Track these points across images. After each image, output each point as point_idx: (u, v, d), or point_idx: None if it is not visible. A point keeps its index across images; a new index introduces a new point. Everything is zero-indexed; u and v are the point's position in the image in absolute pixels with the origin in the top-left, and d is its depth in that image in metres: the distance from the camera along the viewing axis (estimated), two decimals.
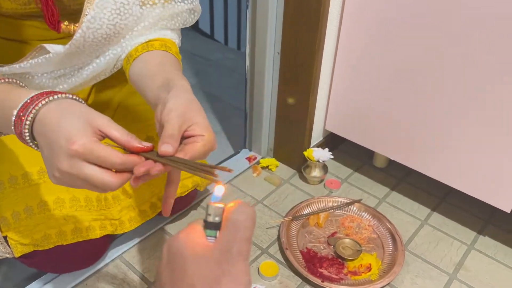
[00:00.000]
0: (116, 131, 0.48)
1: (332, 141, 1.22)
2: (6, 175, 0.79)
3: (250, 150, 1.27)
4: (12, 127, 0.50)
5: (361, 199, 1.06)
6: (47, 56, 0.68)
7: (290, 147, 1.17)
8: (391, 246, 0.95)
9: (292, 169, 1.19)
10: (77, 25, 0.69)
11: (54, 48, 0.69)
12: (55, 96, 0.49)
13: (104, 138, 0.48)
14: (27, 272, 0.89)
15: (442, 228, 1.02)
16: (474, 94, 0.87)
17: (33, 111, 0.48)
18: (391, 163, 1.19)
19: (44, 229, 0.78)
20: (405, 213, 1.06)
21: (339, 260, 0.91)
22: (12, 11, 0.71)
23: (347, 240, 0.95)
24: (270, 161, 1.19)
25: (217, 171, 0.50)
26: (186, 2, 0.77)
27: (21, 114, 0.48)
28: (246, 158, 1.22)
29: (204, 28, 2.22)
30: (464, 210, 1.07)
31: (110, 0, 0.67)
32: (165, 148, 0.49)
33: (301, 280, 0.87)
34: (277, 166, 1.19)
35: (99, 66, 0.75)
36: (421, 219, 1.04)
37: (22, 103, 0.49)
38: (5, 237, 0.78)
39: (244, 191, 1.10)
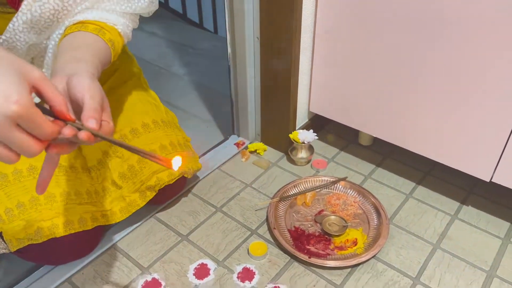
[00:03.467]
0: (52, 90, 0.45)
1: (317, 122, 1.25)
2: (6, 168, 0.82)
3: (239, 136, 1.29)
4: None
5: (346, 177, 1.08)
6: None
7: (277, 131, 1.19)
8: (376, 221, 0.98)
9: (279, 152, 1.21)
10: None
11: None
12: None
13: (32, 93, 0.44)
14: (26, 266, 0.92)
15: (427, 200, 1.05)
16: (452, 67, 0.89)
17: None
18: (376, 141, 1.21)
19: (37, 224, 0.81)
20: (390, 188, 1.09)
21: (326, 236, 0.94)
22: None
23: (333, 217, 0.98)
24: (258, 145, 1.22)
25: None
26: None
27: None
28: (235, 144, 1.25)
29: (192, 17, 2.23)
30: (448, 182, 1.10)
31: None
32: (92, 123, 0.48)
33: (289, 258, 0.91)
34: (265, 150, 1.22)
35: (52, 49, 0.74)
36: (405, 193, 1.07)
37: None
38: (0, 233, 0.81)
39: (233, 176, 1.13)
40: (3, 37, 0.70)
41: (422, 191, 1.07)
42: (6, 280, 0.92)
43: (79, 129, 0.47)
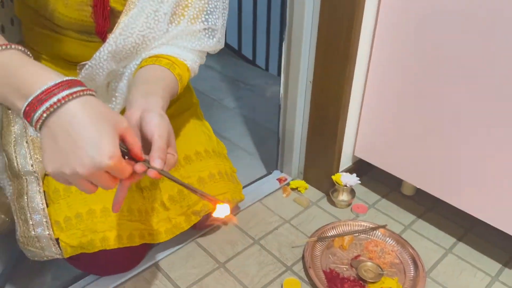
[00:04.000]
0: (133, 137, 0.52)
1: (361, 167, 1.27)
2: (61, 184, 0.90)
3: (282, 171, 1.33)
4: (24, 104, 0.47)
5: (386, 225, 1.09)
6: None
7: (320, 171, 1.22)
8: (412, 272, 0.97)
9: (320, 192, 1.24)
10: None
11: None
12: (82, 92, 0.48)
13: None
14: (72, 273, 0.99)
15: (467, 258, 1.03)
16: (507, 123, 0.90)
17: (58, 103, 0.46)
18: (419, 191, 1.21)
19: (91, 235, 0.87)
20: (429, 241, 1.08)
21: (361, 282, 0.95)
22: (62, 17, 0.77)
23: (369, 263, 0.98)
24: (300, 183, 1.25)
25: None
26: (205, 23, 0.84)
27: (42, 98, 0.46)
28: (277, 179, 1.29)
29: (246, 54, 2.34)
30: (490, 242, 1.08)
31: (143, 14, 0.76)
32: (158, 163, 0.54)
33: None
34: (306, 189, 1.25)
35: (127, 77, 0.83)
36: (445, 248, 1.06)
37: (46, 87, 0.46)
38: (57, 239, 0.88)
39: (273, 211, 1.16)
40: (89, 63, 0.79)
41: (463, 248, 1.06)
42: (54, 284, 0.99)
43: (148, 167, 0.54)
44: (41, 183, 0.89)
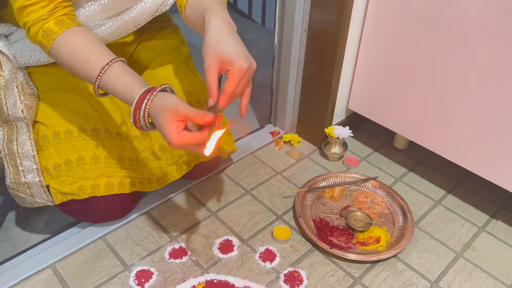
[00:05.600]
0: (193, 114, 0.65)
1: (354, 121, 1.26)
2: (51, 130, 0.89)
3: (275, 125, 1.32)
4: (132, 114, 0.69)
5: (376, 177, 1.09)
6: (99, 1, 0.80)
7: (313, 124, 1.22)
8: (401, 222, 0.99)
9: (313, 145, 1.24)
10: None
11: None
12: (153, 94, 0.67)
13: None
14: (65, 221, 1.00)
15: (455, 209, 1.04)
16: (497, 78, 0.88)
17: (146, 110, 0.67)
18: (411, 145, 1.21)
19: (81, 181, 0.87)
20: (420, 193, 1.09)
21: (350, 231, 0.96)
22: None
23: (359, 213, 0.99)
24: (293, 136, 1.24)
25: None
26: None
27: (137, 107, 0.68)
28: (270, 133, 1.28)
29: (242, 9, 2.27)
30: (480, 194, 1.09)
31: None
32: (210, 103, 0.67)
33: (311, 246, 0.93)
34: (298, 142, 1.24)
35: (144, 8, 0.84)
36: (435, 200, 1.07)
37: (135, 100, 0.68)
38: (47, 186, 0.88)
39: (265, 163, 1.16)
40: None
41: (452, 200, 1.07)
42: (46, 231, 1.00)
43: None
44: (31, 130, 0.88)
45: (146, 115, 0.68)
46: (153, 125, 0.70)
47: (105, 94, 0.75)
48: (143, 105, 0.67)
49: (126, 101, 0.71)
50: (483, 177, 0.98)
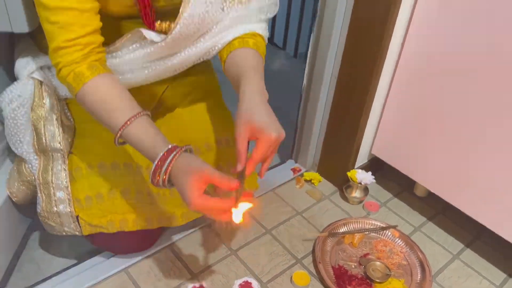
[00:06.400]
0: (219, 179, 0.67)
1: (376, 164, 1.27)
2: (85, 163, 0.91)
3: (296, 161, 1.34)
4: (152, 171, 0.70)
5: (396, 226, 1.11)
6: (145, 48, 0.82)
7: (335, 165, 1.23)
8: (419, 275, 1.00)
9: (334, 186, 1.25)
10: (167, 23, 0.82)
11: (150, 34, 0.80)
12: (178, 154, 0.69)
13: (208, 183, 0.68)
14: (88, 246, 1.02)
15: (473, 265, 1.05)
16: None
17: (169, 169, 0.69)
18: (431, 194, 1.22)
19: (110, 215, 0.89)
20: (438, 244, 1.10)
21: (368, 281, 0.97)
22: (117, 14, 0.80)
23: (378, 263, 1.00)
24: (314, 175, 1.26)
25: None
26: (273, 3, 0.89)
27: (159, 164, 0.69)
28: (291, 169, 1.30)
29: (277, 42, 2.26)
30: (497, 251, 1.10)
31: (201, 3, 0.78)
32: (238, 168, 0.71)
33: None
34: (319, 181, 1.26)
35: (188, 55, 0.86)
36: (453, 253, 1.08)
37: (159, 158, 0.69)
38: (76, 217, 0.91)
39: (285, 201, 1.18)
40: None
41: (470, 255, 1.08)
42: (69, 254, 1.02)
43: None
44: (66, 161, 0.90)
45: (167, 174, 0.69)
46: (170, 183, 0.71)
47: (124, 143, 0.76)
48: (166, 164, 0.68)
49: (147, 156, 0.72)
50: (500, 235, 0.99)
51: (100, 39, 0.76)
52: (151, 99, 1.01)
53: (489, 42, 0.89)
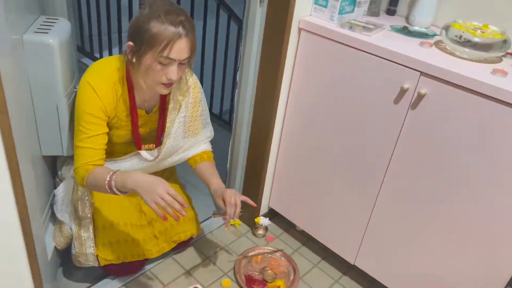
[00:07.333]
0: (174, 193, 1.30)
1: (273, 211, 2.07)
2: (100, 224, 1.61)
3: None
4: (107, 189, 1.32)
5: (282, 249, 1.90)
6: (139, 162, 1.56)
7: (248, 214, 2.01)
8: (292, 277, 1.78)
9: (248, 227, 2.03)
10: (149, 145, 1.57)
11: (145, 155, 1.55)
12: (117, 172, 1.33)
13: None
14: (97, 273, 1.69)
15: (327, 271, 1.86)
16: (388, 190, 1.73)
17: (113, 182, 1.30)
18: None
19: (117, 253, 1.60)
20: (305, 258, 1.90)
21: (265, 281, 1.74)
22: (118, 141, 1.54)
23: (270, 271, 1.78)
24: (236, 221, 2.03)
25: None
26: (210, 131, 1.69)
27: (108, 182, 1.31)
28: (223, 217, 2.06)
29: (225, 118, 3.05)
30: (337, 259, 1.91)
31: (172, 140, 1.53)
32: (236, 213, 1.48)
33: None
34: (240, 224, 2.03)
35: (168, 164, 1.63)
36: (314, 263, 1.88)
37: (108, 178, 1.30)
38: (96, 255, 1.60)
39: (218, 238, 1.94)
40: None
41: (324, 264, 1.89)
42: (85, 281, 1.69)
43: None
44: (92, 224, 1.59)
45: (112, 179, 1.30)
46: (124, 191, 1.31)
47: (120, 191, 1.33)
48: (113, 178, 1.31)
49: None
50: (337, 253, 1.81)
51: (103, 157, 1.45)
52: None
53: (338, 103, 1.73)
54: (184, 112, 1.55)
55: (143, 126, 1.55)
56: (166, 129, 1.53)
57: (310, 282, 1.79)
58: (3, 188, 1.05)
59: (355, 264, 1.76)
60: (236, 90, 1.80)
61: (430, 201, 1.43)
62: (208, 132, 1.68)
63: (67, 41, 1.46)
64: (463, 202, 1.35)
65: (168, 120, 1.52)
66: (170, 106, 1.52)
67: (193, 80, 1.56)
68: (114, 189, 1.31)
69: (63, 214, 1.60)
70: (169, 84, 1.37)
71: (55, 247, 1.61)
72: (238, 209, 1.51)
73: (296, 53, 1.62)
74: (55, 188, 1.64)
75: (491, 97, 1.21)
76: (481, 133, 1.25)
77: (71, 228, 1.59)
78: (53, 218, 1.64)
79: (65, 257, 1.69)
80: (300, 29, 1.58)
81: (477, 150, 1.28)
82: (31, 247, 1.19)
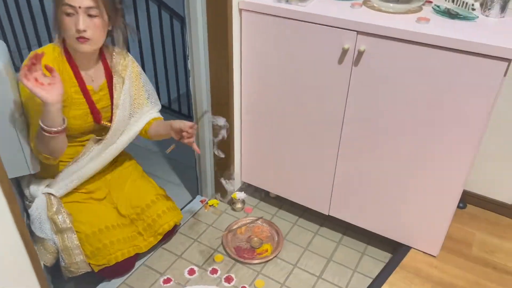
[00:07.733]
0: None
1: (248, 184, 2.19)
2: (83, 231, 1.65)
3: (201, 195, 2.20)
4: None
5: (262, 217, 2.04)
6: (98, 148, 1.61)
7: (225, 192, 2.12)
8: (276, 238, 1.93)
9: (226, 204, 2.14)
10: (108, 123, 1.63)
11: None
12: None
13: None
14: (89, 279, 1.75)
15: (305, 226, 2.02)
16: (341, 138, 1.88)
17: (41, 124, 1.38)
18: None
19: (108, 256, 1.66)
20: (285, 220, 2.05)
21: (252, 248, 1.87)
22: (77, 126, 1.58)
23: (255, 239, 1.92)
24: (214, 201, 2.14)
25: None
26: (156, 100, 1.78)
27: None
28: (200, 201, 2.16)
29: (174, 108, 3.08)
30: (314, 215, 2.08)
31: (121, 114, 1.61)
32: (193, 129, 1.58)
33: (233, 261, 1.83)
34: (218, 204, 2.14)
35: (121, 141, 1.70)
36: (292, 222, 2.04)
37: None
38: (89, 263, 1.65)
39: (200, 220, 2.04)
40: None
41: (302, 221, 2.05)
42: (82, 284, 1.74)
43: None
44: (75, 233, 1.62)
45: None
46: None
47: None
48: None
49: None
50: (317, 210, 1.97)
51: None
52: (105, 185, 1.78)
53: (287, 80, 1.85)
54: (128, 85, 1.66)
55: (97, 103, 1.62)
56: (114, 101, 1.63)
57: (293, 239, 1.95)
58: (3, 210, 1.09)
59: (329, 214, 1.93)
60: (190, 78, 1.87)
61: (384, 141, 1.61)
62: (154, 101, 1.78)
63: (9, 61, 1.45)
64: (413, 135, 1.54)
65: (115, 92, 1.63)
66: (114, 80, 1.63)
67: (130, 58, 1.68)
68: (44, 126, 1.38)
69: (42, 231, 1.61)
70: (82, 39, 1.42)
71: (44, 265, 1.64)
72: (189, 130, 1.58)
73: (241, 33, 1.71)
74: (25, 210, 1.66)
75: (419, 42, 1.37)
76: (417, 76, 1.43)
77: (54, 243, 1.62)
78: (33, 238, 1.66)
79: (53, 273, 1.72)
80: (240, 10, 1.66)
81: (417, 92, 1.45)
82: (39, 269, 1.23)
